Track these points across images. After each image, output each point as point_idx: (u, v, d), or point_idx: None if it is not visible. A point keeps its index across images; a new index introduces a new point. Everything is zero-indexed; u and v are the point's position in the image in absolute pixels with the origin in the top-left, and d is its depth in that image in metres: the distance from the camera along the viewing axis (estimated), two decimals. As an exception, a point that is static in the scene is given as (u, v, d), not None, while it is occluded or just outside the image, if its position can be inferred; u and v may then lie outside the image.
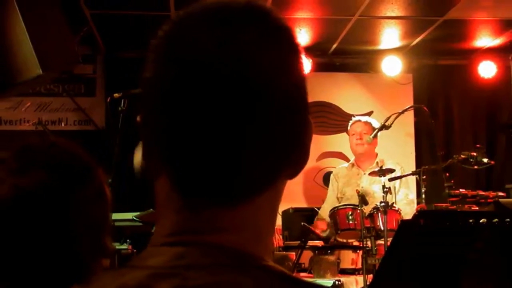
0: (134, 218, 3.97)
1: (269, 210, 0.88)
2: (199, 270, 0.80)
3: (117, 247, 3.94)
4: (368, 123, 5.64)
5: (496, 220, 2.18)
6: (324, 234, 5.17)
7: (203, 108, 0.81)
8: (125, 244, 4.01)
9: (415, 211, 5.45)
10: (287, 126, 0.85)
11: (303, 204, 6.69)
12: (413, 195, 5.80)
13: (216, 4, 0.87)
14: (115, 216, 4.07)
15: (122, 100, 4.42)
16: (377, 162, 5.60)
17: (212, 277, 0.79)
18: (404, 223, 2.17)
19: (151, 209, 3.89)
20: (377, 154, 5.75)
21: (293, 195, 6.60)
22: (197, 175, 0.82)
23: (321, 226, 5.34)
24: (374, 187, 5.47)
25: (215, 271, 0.80)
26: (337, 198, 5.76)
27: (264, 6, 0.88)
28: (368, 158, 5.72)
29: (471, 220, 2.16)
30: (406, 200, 5.35)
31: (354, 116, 6.11)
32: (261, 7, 0.88)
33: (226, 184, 0.82)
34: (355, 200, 5.12)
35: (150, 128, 0.87)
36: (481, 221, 2.14)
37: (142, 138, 0.90)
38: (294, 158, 0.88)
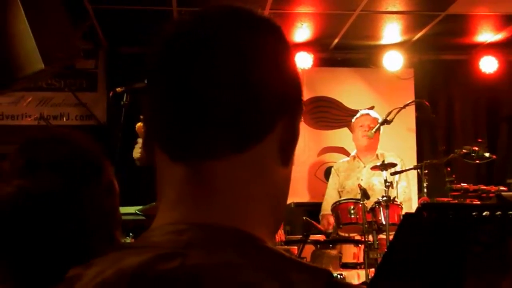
0: (137, 212, 3.96)
1: (261, 192, 0.92)
2: (199, 250, 0.82)
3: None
4: (376, 119, 5.65)
5: (499, 212, 2.18)
6: (331, 229, 5.19)
7: (186, 87, 0.88)
8: (128, 238, 4.01)
9: (412, 207, 5.48)
10: (267, 98, 0.90)
11: (304, 199, 6.70)
12: (411, 190, 5.79)
13: (211, 8, 0.96)
14: (118, 210, 4.08)
15: (125, 95, 4.42)
16: (377, 155, 5.61)
17: (212, 257, 0.81)
18: (407, 216, 2.16)
19: (154, 203, 3.89)
20: (377, 148, 5.76)
21: (294, 189, 6.59)
22: (181, 136, 0.89)
23: (331, 221, 5.35)
24: (374, 180, 5.48)
25: (215, 250, 0.82)
26: (338, 192, 5.76)
27: (253, 9, 0.96)
28: (370, 152, 5.73)
29: (474, 213, 2.16)
30: (403, 196, 5.35)
31: (357, 111, 6.12)
32: (249, 9, 0.96)
33: (206, 140, 0.88)
34: (355, 193, 5.13)
35: (147, 116, 0.95)
36: (484, 213, 2.14)
37: (144, 127, 0.96)
38: (280, 134, 0.92)
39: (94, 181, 1.39)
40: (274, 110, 0.90)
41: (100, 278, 0.84)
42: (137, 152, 4.50)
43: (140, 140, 4.48)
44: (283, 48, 0.95)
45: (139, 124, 4.04)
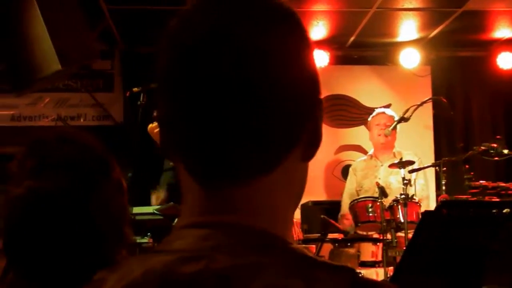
0: (155, 211, 3.98)
1: (284, 192, 0.90)
2: (224, 252, 0.81)
3: (138, 240, 3.96)
4: (392, 117, 5.63)
5: (519, 210, 2.17)
6: (350, 229, 5.17)
7: (205, 97, 0.83)
8: (146, 237, 4.03)
9: (430, 204, 5.45)
10: (292, 105, 0.86)
11: (322, 197, 6.68)
12: (428, 188, 5.76)
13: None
14: (136, 209, 4.09)
15: (141, 94, 4.45)
16: (394, 153, 5.59)
17: (237, 259, 0.81)
18: (427, 213, 2.16)
19: (172, 203, 3.91)
20: (394, 146, 5.74)
21: (312, 188, 6.59)
22: (205, 160, 0.85)
23: (350, 220, 5.33)
24: (391, 179, 5.46)
25: (240, 253, 0.81)
26: (356, 191, 5.75)
27: None
28: (387, 150, 5.71)
29: (494, 210, 2.15)
30: (421, 193, 5.31)
31: (374, 109, 6.10)
32: None
33: (231, 163, 0.84)
34: (373, 192, 5.11)
35: (163, 120, 0.91)
36: (504, 211, 2.13)
37: (160, 129, 0.92)
38: (305, 139, 0.89)
39: (103, 180, 1.40)
40: (301, 119, 0.87)
41: (127, 281, 0.84)
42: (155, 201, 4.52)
43: (155, 193, 4.52)
44: (305, 47, 0.91)
45: (151, 125, 4.06)
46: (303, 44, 0.91)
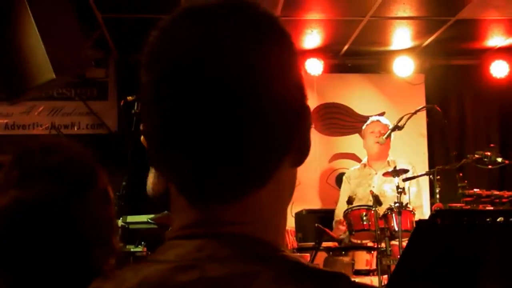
0: (149, 220, 3.97)
1: (276, 200, 0.90)
2: (218, 261, 0.82)
3: (132, 249, 3.95)
4: (386, 125, 5.64)
5: (513, 218, 2.17)
6: (344, 236, 5.16)
7: (191, 112, 0.82)
8: (140, 246, 4.02)
9: (423, 213, 5.45)
10: (280, 117, 0.85)
11: (316, 206, 6.68)
12: (422, 196, 5.77)
13: (199, 4, 0.88)
14: (130, 218, 4.08)
15: (136, 103, 4.44)
16: (388, 162, 5.60)
17: (232, 267, 0.81)
18: (421, 222, 2.15)
19: (166, 212, 3.90)
20: (388, 154, 5.74)
21: (306, 196, 6.59)
22: (196, 181, 0.84)
23: (344, 228, 5.33)
24: (385, 187, 5.46)
25: (234, 262, 0.82)
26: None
27: (246, 0, 0.89)
28: (381, 158, 5.72)
29: (488, 219, 2.15)
30: (414, 201, 5.32)
31: (368, 117, 6.11)
32: (243, 2, 0.88)
33: (224, 183, 0.84)
34: (367, 201, 5.11)
35: (150, 136, 0.89)
36: (498, 219, 2.13)
37: (147, 144, 0.90)
38: (294, 147, 0.88)
39: (88, 189, 1.40)
40: (290, 128, 0.87)
41: None
42: (149, 184, 4.53)
43: (152, 172, 4.51)
44: (290, 55, 0.90)
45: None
46: (288, 52, 0.90)
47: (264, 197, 0.87)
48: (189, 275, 0.81)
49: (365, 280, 4.66)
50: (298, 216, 5.91)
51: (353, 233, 4.91)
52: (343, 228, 5.42)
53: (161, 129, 0.85)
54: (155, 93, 0.85)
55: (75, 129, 6.89)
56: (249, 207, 0.86)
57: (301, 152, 0.90)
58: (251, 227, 0.86)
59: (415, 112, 5.38)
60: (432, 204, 5.36)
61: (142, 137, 3.38)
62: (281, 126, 0.85)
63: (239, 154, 0.83)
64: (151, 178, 4.51)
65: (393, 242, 4.60)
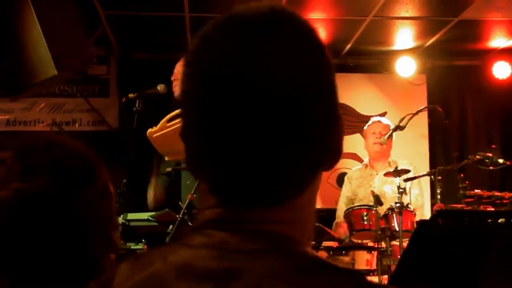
0: (150, 218, 3.97)
1: (310, 202, 0.93)
2: (241, 253, 0.85)
3: (132, 247, 3.95)
4: (387, 126, 5.63)
5: (515, 219, 2.16)
6: (344, 237, 5.16)
7: (235, 123, 0.84)
8: (140, 244, 4.02)
9: (424, 214, 5.44)
10: (319, 129, 0.88)
11: (317, 205, 6.64)
12: (423, 197, 5.76)
13: (241, 14, 0.90)
14: (131, 216, 4.08)
15: (137, 100, 4.45)
16: (389, 162, 5.59)
17: (253, 260, 0.83)
18: (422, 223, 2.15)
19: (167, 209, 3.90)
20: (389, 155, 5.74)
21: (306, 196, 6.58)
22: (234, 186, 0.87)
23: (343, 231, 5.32)
24: (385, 188, 5.45)
25: (256, 255, 0.84)
26: (351, 200, 5.74)
27: (288, 11, 0.92)
28: (382, 159, 5.71)
29: (489, 220, 2.14)
30: (415, 202, 5.31)
31: (370, 117, 6.10)
32: (286, 14, 0.91)
33: (264, 191, 0.87)
34: (367, 201, 5.11)
35: (190, 139, 0.91)
36: (499, 220, 2.12)
37: (185, 146, 0.93)
38: (329, 156, 0.92)
39: (88, 183, 1.41)
40: (327, 139, 0.90)
41: (149, 271, 0.87)
42: (150, 199, 4.53)
43: (152, 186, 4.51)
44: (327, 70, 0.93)
45: (151, 130, 4.06)
46: (326, 64, 0.93)
47: (301, 200, 0.90)
48: (210, 262, 0.84)
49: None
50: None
51: (354, 232, 4.91)
52: (341, 231, 5.42)
53: (203, 138, 0.88)
54: (199, 103, 0.88)
55: (76, 126, 6.88)
56: (285, 209, 0.89)
57: (334, 158, 0.93)
58: (283, 226, 0.89)
59: (417, 113, 5.38)
60: (433, 204, 5.35)
61: (148, 131, 3.36)
62: (321, 136, 0.89)
63: (283, 165, 0.86)
64: (151, 192, 4.53)
65: (393, 242, 4.60)
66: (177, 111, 4.47)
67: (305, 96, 0.86)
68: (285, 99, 0.84)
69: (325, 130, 0.89)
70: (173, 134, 4.01)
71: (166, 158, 4.40)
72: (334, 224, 5.72)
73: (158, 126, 4.09)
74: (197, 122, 0.88)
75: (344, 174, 6.24)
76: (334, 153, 0.92)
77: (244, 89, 0.84)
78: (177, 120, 4.18)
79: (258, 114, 0.83)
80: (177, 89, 4.70)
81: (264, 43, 0.86)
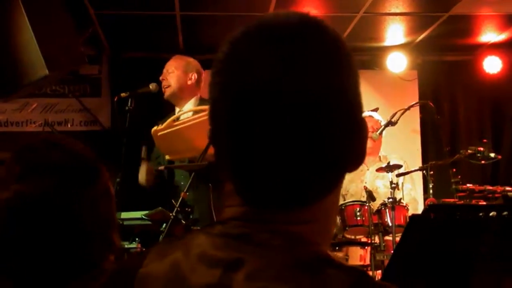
0: (143, 216, 3.97)
1: (333, 203, 0.97)
2: (252, 245, 0.88)
3: (126, 245, 3.94)
4: (378, 121, 5.64)
5: (505, 213, 2.18)
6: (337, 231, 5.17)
7: (265, 132, 0.87)
8: (134, 242, 4.01)
9: (418, 208, 5.45)
10: (347, 136, 0.91)
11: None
12: (416, 191, 5.78)
13: (270, 23, 0.92)
14: (124, 215, 4.08)
15: (129, 100, 4.44)
16: (380, 157, 5.60)
17: (258, 253, 0.87)
18: (414, 217, 2.17)
19: (160, 208, 3.90)
20: (380, 150, 5.74)
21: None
22: (263, 192, 0.90)
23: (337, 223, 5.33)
24: (377, 183, 5.46)
25: (264, 249, 0.88)
26: (342, 196, 5.75)
27: (317, 20, 0.94)
28: (372, 154, 5.71)
29: (481, 214, 2.16)
30: (409, 197, 5.33)
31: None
32: (315, 23, 0.93)
33: (291, 196, 0.90)
34: (359, 196, 5.12)
35: (218, 143, 0.94)
36: (491, 214, 2.14)
37: (214, 148, 0.95)
38: (354, 159, 0.94)
39: (89, 184, 1.41)
40: (352, 144, 0.93)
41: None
42: (142, 176, 4.54)
43: (144, 165, 4.52)
44: (356, 76, 0.96)
45: (155, 128, 4.08)
46: (353, 72, 0.95)
47: (326, 202, 0.94)
48: (227, 253, 0.88)
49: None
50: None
51: (347, 228, 4.92)
52: None
53: (231, 146, 0.90)
54: (228, 112, 0.90)
55: (69, 126, 6.87)
56: (309, 210, 0.92)
57: (358, 160, 0.95)
58: (306, 227, 0.92)
59: (408, 108, 5.38)
60: (425, 199, 5.37)
61: (152, 130, 3.36)
62: (348, 142, 0.91)
63: (312, 171, 0.88)
64: (143, 169, 4.52)
65: (386, 237, 4.61)
66: (182, 112, 4.48)
67: (335, 107, 0.89)
68: (314, 111, 0.87)
69: (352, 136, 0.92)
70: (178, 134, 4.02)
71: (167, 157, 4.40)
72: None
73: (165, 124, 4.10)
74: (226, 130, 0.91)
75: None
76: (359, 156, 0.94)
77: (275, 103, 0.86)
78: (183, 120, 4.18)
79: (287, 124, 0.86)
80: (167, 90, 4.70)
81: (296, 58, 0.87)
